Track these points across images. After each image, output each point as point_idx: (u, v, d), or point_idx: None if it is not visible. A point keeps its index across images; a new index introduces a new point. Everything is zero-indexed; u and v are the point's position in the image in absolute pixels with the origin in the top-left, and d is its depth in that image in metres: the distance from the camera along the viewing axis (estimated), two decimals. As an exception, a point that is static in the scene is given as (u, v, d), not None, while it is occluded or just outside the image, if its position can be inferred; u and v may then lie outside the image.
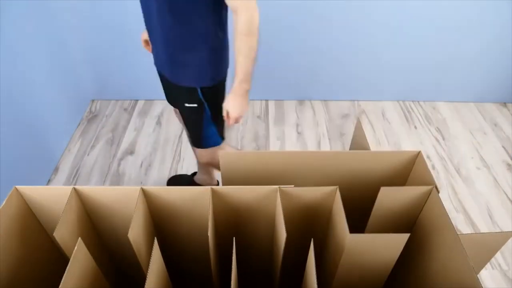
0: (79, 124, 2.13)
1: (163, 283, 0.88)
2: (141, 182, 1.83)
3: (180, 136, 2.07)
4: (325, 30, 1.97)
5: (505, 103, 2.27)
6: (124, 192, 0.90)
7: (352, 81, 2.20)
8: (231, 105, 1.15)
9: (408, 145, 1.97)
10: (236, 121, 1.19)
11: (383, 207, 0.95)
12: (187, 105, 1.19)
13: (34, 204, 0.93)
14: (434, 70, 2.14)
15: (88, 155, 1.98)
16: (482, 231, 1.64)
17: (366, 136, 2.04)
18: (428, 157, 1.96)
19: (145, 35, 1.29)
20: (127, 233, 0.79)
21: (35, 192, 0.90)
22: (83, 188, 0.90)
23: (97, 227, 1.01)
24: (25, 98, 1.62)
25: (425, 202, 0.94)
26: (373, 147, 1.97)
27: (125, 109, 2.25)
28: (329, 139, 2.03)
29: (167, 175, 1.88)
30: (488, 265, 1.55)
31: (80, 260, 0.78)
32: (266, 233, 1.03)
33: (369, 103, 2.27)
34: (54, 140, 1.91)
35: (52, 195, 0.90)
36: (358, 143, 1.10)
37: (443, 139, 2.05)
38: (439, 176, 1.87)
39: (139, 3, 1.66)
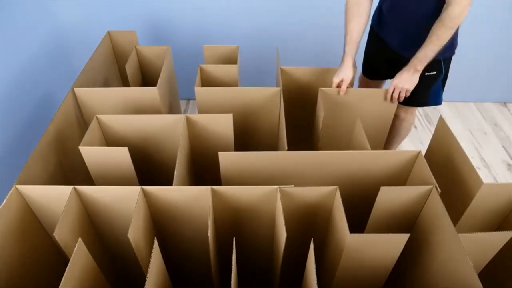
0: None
1: (163, 283, 0.88)
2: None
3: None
4: (326, 30, 1.97)
5: (505, 103, 2.26)
6: (124, 192, 0.90)
7: (352, 81, 2.20)
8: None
9: (408, 145, 1.97)
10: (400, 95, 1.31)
11: (383, 207, 0.95)
12: (427, 74, 1.31)
13: (34, 204, 0.93)
14: (434, 70, 2.14)
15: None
16: (482, 231, 1.63)
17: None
18: (428, 157, 1.96)
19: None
20: (127, 233, 0.79)
21: (35, 192, 0.90)
22: (83, 188, 0.90)
23: (97, 227, 1.01)
24: (26, 97, 1.62)
25: (425, 202, 0.94)
26: (373, 147, 1.97)
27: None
28: (329, 139, 2.02)
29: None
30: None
31: (80, 260, 0.78)
32: (266, 233, 1.03)
33: (369, 103, 2.27)
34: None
35: (52, 195, 0.90)
36: (358, 143, 1.10)
37: (443, 139, 2.05)
38: (439, 176, 1.87)
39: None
